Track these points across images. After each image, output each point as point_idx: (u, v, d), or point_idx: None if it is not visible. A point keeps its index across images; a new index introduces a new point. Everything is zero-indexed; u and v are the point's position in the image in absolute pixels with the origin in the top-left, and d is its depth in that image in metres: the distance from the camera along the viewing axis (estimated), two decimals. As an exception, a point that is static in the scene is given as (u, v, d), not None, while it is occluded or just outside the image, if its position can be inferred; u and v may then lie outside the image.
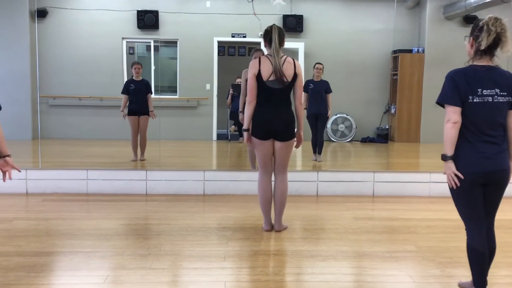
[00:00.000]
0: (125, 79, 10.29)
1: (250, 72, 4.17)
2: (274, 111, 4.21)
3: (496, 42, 2.78)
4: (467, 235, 2.95)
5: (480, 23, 2.82)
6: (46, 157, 7.05)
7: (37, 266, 3.51)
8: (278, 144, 4.26)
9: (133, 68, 7.49)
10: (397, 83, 10.67)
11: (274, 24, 4.23)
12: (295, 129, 4.35)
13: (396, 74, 10.72)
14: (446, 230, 4.59)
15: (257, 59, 4.22)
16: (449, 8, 10.26)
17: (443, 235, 4.44)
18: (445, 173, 2.90)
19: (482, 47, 2.79)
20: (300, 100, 4.28)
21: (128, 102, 7.51)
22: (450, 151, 2.85)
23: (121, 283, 3.28)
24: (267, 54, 4.23)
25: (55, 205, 5.43)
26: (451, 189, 2.92)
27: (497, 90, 2.82)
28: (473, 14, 9.78)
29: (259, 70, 4.14)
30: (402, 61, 10.59)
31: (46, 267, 3.54)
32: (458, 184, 2.84)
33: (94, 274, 3.40)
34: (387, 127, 10.67)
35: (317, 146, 7.75)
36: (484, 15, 2.84)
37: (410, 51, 10.67)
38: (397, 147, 10.27)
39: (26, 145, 9.02)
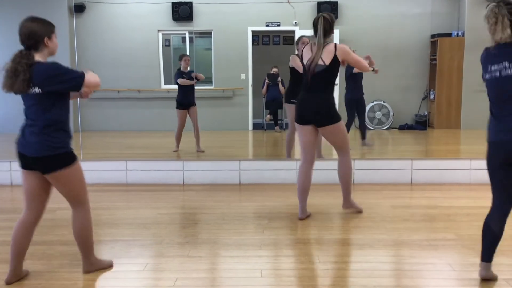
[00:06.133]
0: (162, 71, 10.46)
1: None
2: (307, 96, 4.27)
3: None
4: (489, 211, 2.99)
5: (484, 17, 2.82)
6: (87, 149, 7.24)
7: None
8: (320, 130, 4.30)
9: (183, 60, 7.57)
10: (436, 68, 10.40)
11: (321, 15, 4.19)
12: (333, 115, 4.25)
13: (435, 59, 10.44)
14: (487, 218, 4.47)
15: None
16: (490, -11, 9.89)
17: (484, 223, 4.33)
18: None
19: (489, 45, 2.85)
20: (359, 65, 4.36)
21: (177, 94, 7.58)
22: None
23: (160, 270, 3.36)
24: (312, 43, 4.29)
25: (96, 195, 5.56)
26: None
27: (506, 64, 2.74)
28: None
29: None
30: (441, 46, 10.29)
31: (88, 255, 3.64)
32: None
33: (134, 262, 3.49)
34: (426, 113, 10.44)
35: (361, 131, 7.81)
36: None
37: (450, 35, 10.36)
38: (436, 134, 10.04)
39: (68, 137, 9.27)
